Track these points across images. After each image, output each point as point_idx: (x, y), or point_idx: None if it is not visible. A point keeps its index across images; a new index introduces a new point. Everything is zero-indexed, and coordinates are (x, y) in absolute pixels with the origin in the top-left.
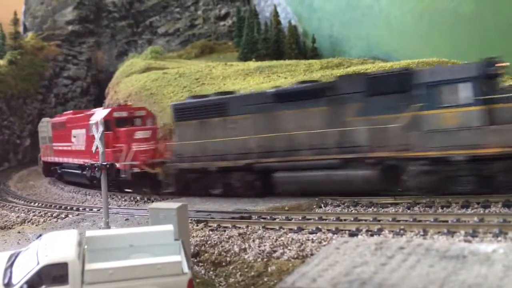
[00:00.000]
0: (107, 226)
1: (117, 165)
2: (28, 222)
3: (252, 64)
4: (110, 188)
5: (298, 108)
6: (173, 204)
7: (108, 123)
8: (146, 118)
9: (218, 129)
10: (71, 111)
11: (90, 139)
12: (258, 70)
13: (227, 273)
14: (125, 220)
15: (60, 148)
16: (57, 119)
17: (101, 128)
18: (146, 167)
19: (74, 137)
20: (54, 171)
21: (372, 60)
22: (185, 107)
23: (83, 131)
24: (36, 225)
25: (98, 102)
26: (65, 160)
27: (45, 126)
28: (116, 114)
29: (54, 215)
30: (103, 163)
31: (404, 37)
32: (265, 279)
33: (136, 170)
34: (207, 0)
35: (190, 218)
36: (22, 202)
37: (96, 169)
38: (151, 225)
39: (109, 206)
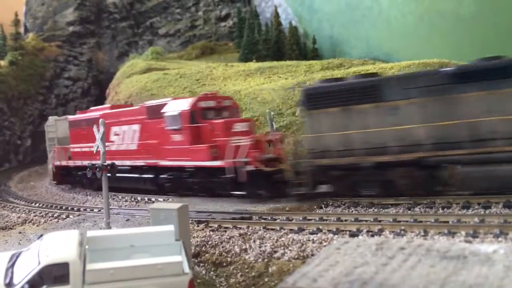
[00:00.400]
0: (108, 226)
1: (219, 163)
2: (29, 222)
3: (253, 65)
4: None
5: (487, 89)
6: (174, 205)
7: (194, 114)
8: (232, 109)
9: (370, 117)
10: (105, 106)
11: (155, 135)
12: (258, 71)
13: (228, 274)
14: (126, 220)
15: (89, 149)
16: (80, 116)
17: (102, 128)
18: (260, 165)
19: (117, 135)
20: (81, 177)
21: (372, 61)
22: (321, 92)
23: (135, 127)
24: (37, 226)
25: (99, 103)
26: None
27: (52, 126)
28: (202, 104)
29: (55, 215)
30: (104, 163)
31: (405, 38)
32: (266, 280)
33: (250, 168)
34: (208, 1)
35: (190, 219)
36: (23, 202)
37: (97, 169)
38: (152, 226)
39: (110, 207)
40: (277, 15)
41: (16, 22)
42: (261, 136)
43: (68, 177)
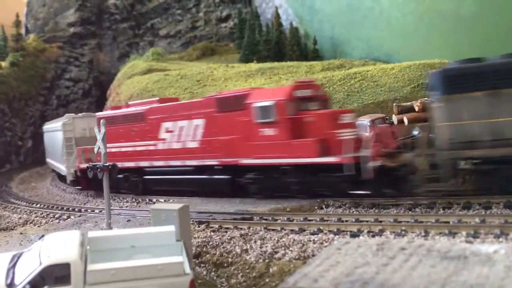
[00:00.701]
0: (109, 227)
1: (333, 159)
2: (30, 223)
3: (254, 66)
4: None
5: None
6: (174, 205)
7: (291, 104)
8: (324, 99)
9: None
10: (151, 100)
11: (233, 129)
12: (259, 72)
13: (229, 274)
14: (127, 221)
15: (132, 148)
16: (116, 112)
17: (103, 129)
18: (387, 160)
19: (170, 132)
20: (120, 181)
21: (373, 61)
22: (462, 73)
23: (198, 121)
24: (38, 226)
25: (100, 104)
26: (146, 164)
27: (70, 125)
28: (298, 93)
29: (56, 216)
30: (105, 164)
31: (405, 39)
32: (267, 280)
33: (376, 163)
34: (209, 2)
35: (191, 219)
36: (24, 203)
37: (98, 169)
38: (153, 226)
39: (111, 207)
40: (277, 16)
41: (17, 23)
42: (382, 129)
43: (95, 181)
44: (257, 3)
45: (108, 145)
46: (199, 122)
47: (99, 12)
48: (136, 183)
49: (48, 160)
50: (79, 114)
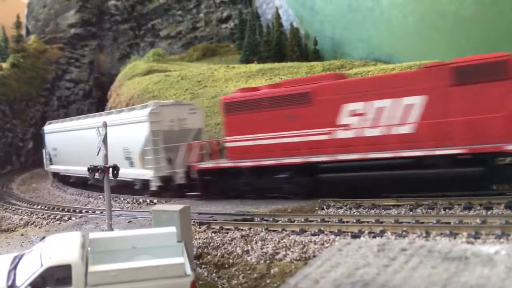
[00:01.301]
0: (110, 228)
1: None
2: (31, 224)
3: (254, 67)
4: None
5: None
6: (175, 206)
7: None
8: None
9: None
10: (320, 75)
11: (486, 105)
12: (260, 73)
13: (230, 275)
14: (128, 222)
15: (291, 140)
16: (257, 94)
17: (104, 130)
18: None
19: (357, 115)
20: (275, 182)
21: (374, 62)
22: None
23: (410, 100)
24: (39, 228)
25: (101, 105)
26: (324, 158)
27: (157, 114)
28: None
29: (57, 217)
30: (106, 165)
31: (406, 39)
32: (268, 281)
33: None
34: (209, 3)
35: (192, 220)
36: (25, 204)
37: (99, 171)
38: (154, 227)
39: (112, 209)
40: (278, 17)
41: (18, 25)
42: None
43: (217, 185)
44: (258, 3)
45: (244, 137)
46: (415, 100)
47: (100, 13)
48: (304, 184)
49: (63, 167)
50: (167, 101)
